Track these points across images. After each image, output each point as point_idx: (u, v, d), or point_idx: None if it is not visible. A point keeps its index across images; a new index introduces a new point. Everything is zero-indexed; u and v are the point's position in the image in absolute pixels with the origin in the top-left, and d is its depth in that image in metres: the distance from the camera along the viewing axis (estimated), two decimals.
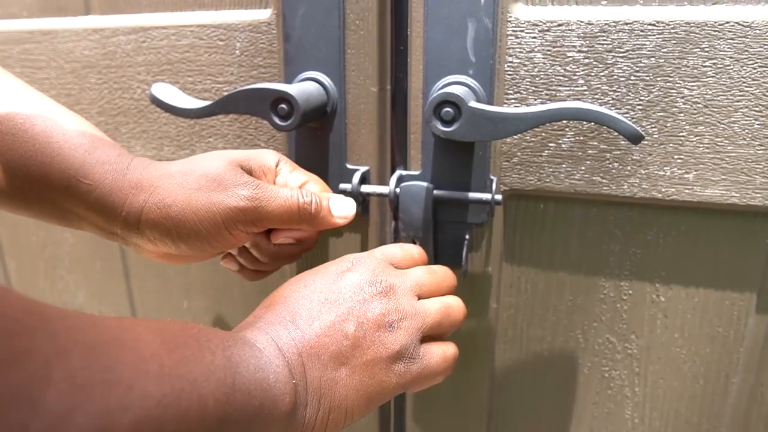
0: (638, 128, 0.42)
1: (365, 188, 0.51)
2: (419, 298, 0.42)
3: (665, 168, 0.46)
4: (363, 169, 0.52)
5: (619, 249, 0.50)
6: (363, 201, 0.52)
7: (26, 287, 0.76)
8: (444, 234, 0.52)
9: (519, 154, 0.49)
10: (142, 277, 0.68)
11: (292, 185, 0.46)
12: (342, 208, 0.46)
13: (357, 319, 0.38)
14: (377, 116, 0.51)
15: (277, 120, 0.47)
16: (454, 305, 0.43)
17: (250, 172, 0.45)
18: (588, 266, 0.51)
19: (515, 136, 0.48)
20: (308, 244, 0.49)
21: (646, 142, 0.46)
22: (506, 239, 0.52)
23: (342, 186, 0.51)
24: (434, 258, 0.52)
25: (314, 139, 0.53)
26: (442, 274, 0.45)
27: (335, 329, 0.37)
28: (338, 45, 0.50)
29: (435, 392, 0.58)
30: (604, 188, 0.48)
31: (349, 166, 0.52)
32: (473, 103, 0.43)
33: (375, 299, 0.39)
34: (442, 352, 0.41)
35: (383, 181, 0.53)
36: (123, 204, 0.42)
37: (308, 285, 0.40)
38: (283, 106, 0.46)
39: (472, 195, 0.48)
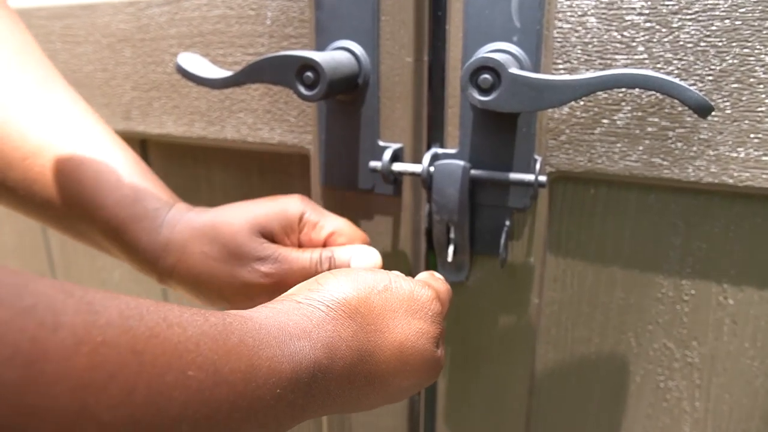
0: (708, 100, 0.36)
1: (397, 166, 0.47)
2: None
3: (738, 149, 0.40)
4: (395, 146, 0.48)
5: (680, 242, 0.44)
6: (395, 181, 0.48)
7: (68, 265, 0.77)
8: (482, 219, 0.47)
9: (567, 131, 0.44)
10: None
11: (317, 239, 0.44)
12: (363, 262, 0.43)
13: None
14: (412, 89, 0.47)
15: (302, 89, 0.44)
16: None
17: (271, 236, 0.43)
18: (644, 261, 0.45)
19: (563, 112, 0.43)
20: None
21: (716, 119, 0.40)
22: (551, 227, 0.47)
23: (372, 164, 0.48)
24: (470, 245, 0.48)
25: (345, 113, 0.49)
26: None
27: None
28: (372, 12, 0.46)
29: (469, 392, 0.53)
30: (665, 171, 0.42)
31: (382, 143, 0.49)
32: (514, 69, 0.38)
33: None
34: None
35: (418, 160, 0.49)
36: (156, 262, 0.43)
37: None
38: (309, 74, 0.43)
39: (514, 176, 0.44)
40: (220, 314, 0.27)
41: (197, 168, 0.62)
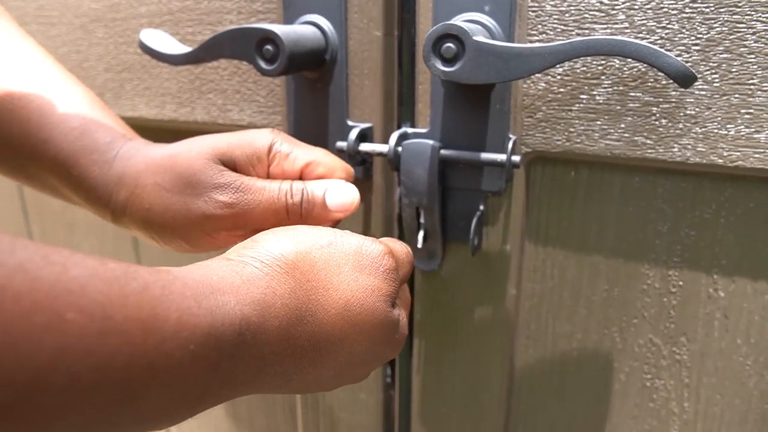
0: (690, 69, 0.33)
1: (364, 147, 0.44)
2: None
3: (728, 126, 0.36)
4: (364, 125, 0.45)
5: (667, 229, 0.41)
6: (363, 162, 0.45)
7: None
8: (454, 203, 0.44)
9: (544, 108, 0.41)
10: (150, 246, 0.65)
11: (291, 173, 0.40)
12: (339, 197, 0.39)
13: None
14: (382, 65, 0.44)
15: (262, 63, 0.41)
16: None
17: (233, 165, 0.39)
18: (628, 250, 0.42)
19: (539, 87, 0.40)
20: None
21: (703, 92, 0.36)
22: (529, 213, 0.44)
23: (339, 144, 0.45)
24: (442, 231, 0.45)
25: (313, 91, 0.47)
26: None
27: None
28: None
29: (444, 391, 0.50)
30: (649, 151, 0.39)
31: (350, 123, 0.46)
32: (479, 37, 0.35)
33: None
34: None
35: (388, 140, 0.46)
36: (109, 199, 0.39)
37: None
38: (269, 47, 0.41)
39: (486, 156, 0.41)
40: (127, 264, 0.24)
41: None
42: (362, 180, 0.47)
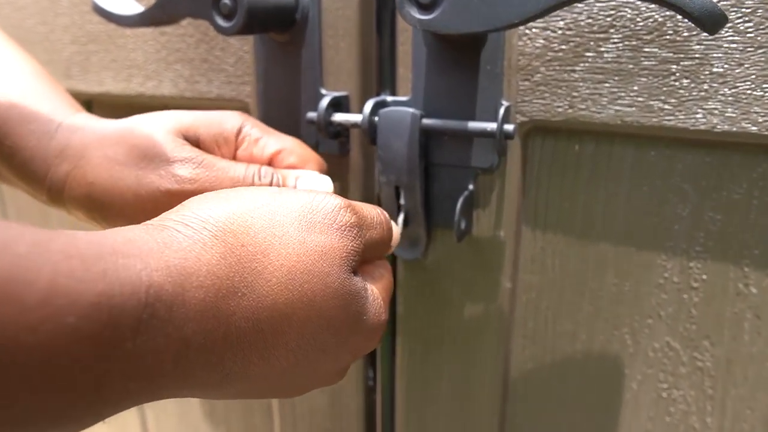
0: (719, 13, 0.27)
1: (337, 117, 0.39)
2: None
3: (765, 86, 0.30)
4: (338, 94, 0.40)
5: (689, 212, 0.35)
6: (337, 135, 0.40)
7: None
8: (440, 182, 0.39)
9: (543, 69, 0.35)
10: None
11: (259, 159, 0.36)
12: (313, 187, 0.34)
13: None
14: (359, 24, 0.39)
15: (219, 20, 0.36)
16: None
17: (196, 142, 0.35)
18: (642, 236, 0.36)
19: (537, 44, 0.34)
20: None
21: (735, 45, 0.30)
22: (526, 194, 0.38)
23: (310, 115, 0.40)
24: (426, 214, 0.39)
25: (284, 56, 0.42)
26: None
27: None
28: None
29: (431, 396, 0.44)
30: (668, 118, 0.33)
31: (324, 92, 0.41)
32: None
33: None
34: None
35: None
36: (46, 174, 0.35)
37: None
38: (226, 1, 0.36)
39: (473, 125, 0.35)
40: (19, 223, 0.19)
41: None
42: (338, 155, 0.42)
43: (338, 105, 0.39)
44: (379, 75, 0.41)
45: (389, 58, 0.40)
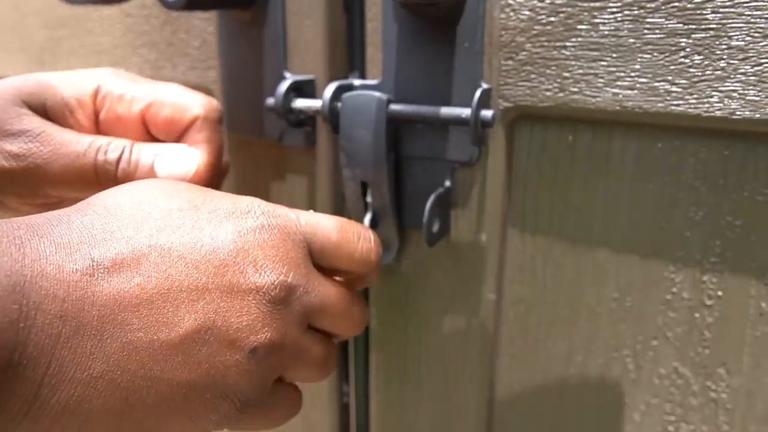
0: None
1: (299, 103, 0.34)
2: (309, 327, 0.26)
3: None
4: (302, 77, 0.35)
5: (702, 216, 0.29)
6: (301, 123, 0.36)
7: None
8: (413, 178, 0.34)
9: (528, 46, 0.30)
10: None
11: (129, 119, 0.31)
12: (170, 167, 0.30)
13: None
14: (325, 0, 0.34)
15: None
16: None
17: (43, 110, 0.30)
18: (647, 244, 0.31)
19: (522, 15, 0.29)
20: None
21: (758, 12, 0.25)
22: (512, 192, 0.33)
23: (269, 101, 0.35)
24: (398, 214, 0.34)
25: (247, 37, 0.37)
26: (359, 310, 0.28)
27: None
28: None
29: (409, 421, 0.40)
30: (676, 102, 0.27)
31: (288, 75, 0.36)
32: None
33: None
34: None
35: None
36: None
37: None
38: None
39: (446, 111, 0.30)
40: None
41: None
42: (303, 148, 0.37)
43: (300, 89, 0.35)
44: (350, 57, 0.36)
45: (359, 38, 0.35)
